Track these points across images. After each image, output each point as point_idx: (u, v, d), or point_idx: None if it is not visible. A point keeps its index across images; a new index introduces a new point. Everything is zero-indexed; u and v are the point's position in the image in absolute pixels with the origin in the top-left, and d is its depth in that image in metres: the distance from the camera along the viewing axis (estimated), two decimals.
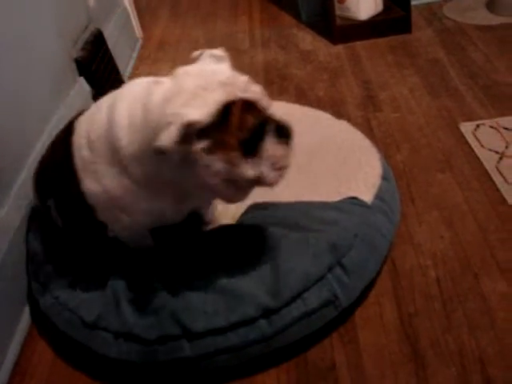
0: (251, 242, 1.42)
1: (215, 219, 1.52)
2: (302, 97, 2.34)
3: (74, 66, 2.19)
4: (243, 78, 1.14)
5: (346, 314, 1.39)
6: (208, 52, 1.21)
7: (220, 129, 1.08)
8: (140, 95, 1.17)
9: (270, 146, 1.14)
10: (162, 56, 2.99)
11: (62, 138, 1.35)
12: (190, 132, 1.05)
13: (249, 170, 1.12)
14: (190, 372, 1.31)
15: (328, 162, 1.69)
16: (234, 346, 1.27)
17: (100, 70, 2.34)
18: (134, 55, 3.05)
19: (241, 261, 1.38)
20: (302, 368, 1.32)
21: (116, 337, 1.30)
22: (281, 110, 1.98)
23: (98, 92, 2.22)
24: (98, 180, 1.23)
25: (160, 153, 1.07)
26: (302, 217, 1.47)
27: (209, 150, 1.09)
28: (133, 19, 3.25)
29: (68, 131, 1.32)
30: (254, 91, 1.13)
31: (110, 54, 2.53)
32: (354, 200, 1.50)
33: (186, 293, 1.31)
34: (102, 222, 1.30)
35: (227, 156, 1.10)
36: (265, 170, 1.14)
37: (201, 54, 1.21)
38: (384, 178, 1.60)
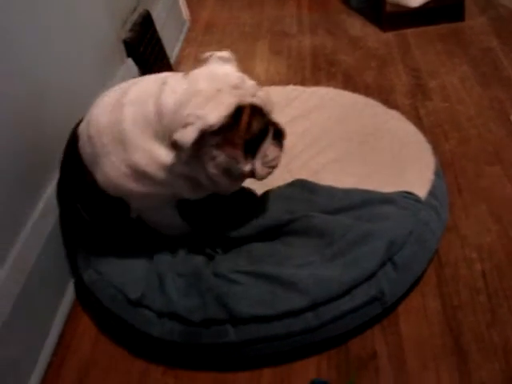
0: (305, 229, 1.41)
1: None
2: (349, 83, 2.31)
3: (122, 46, 2.20)
4: (252, 83, 1.28)
5: (389, 308, 1.37)
6: (216, 54, 1.32)
7: (230, 129, 1.21)
8: (151, 93, 1.28)
9: (268, 148, 1.30)
10: (209, 39, 2.99)
11: (70, 147, 1.42)
12: (206, 132, 1.18)
13: (247, 165, 1.28)
14: (232, 356, 1.32)
15: (382, 151, 1.67)
16: (278, 335, 1.27)
17: (148, 52, 2.35)
18: (182, 37, 3.05)
19: (293, 249, 1.37)
20: (342, 356, 1.32)
21: (159, 316, 1.31)
22: (330, 95, 1.99)
23: (145, 73, 2.23)
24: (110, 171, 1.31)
25: (176, 148, 1.19)
26: (360, 207, 1.45)
27: (217, 146, 1.23)
28: (180, 1, 3.25)
29: (73, 140, 1.40)
30: (261, 96, 1.26)
31: (158, 36, 2.54)
32: (408, 194, 1.48)
33: (233, 277, 1.31)
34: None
35: (232, 153, 1.25)
36: (258, 167, 1.29)
37: (210, 56, 1.32)
38: (436, 174, 1.58)
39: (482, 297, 1.39)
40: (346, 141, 1.71)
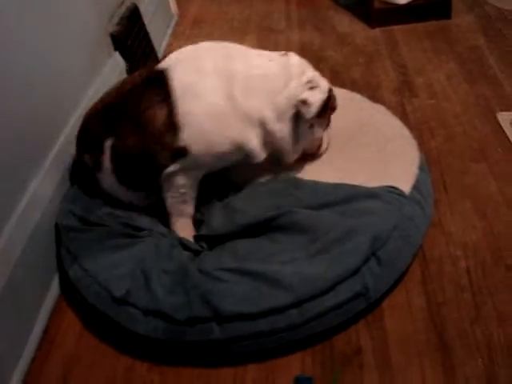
0: (289, 225, 1.41)
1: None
2: (337, 79, 2.30)
3: (109, 40, 2.18)
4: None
5: (374, 304, 1.38)
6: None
7: (324, 108, 1.48)
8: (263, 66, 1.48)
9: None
10: (197, 33, 2.98)
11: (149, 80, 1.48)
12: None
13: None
14: (217, 353, 1.32)
15: (367, 146, 1.67)
16: (263, 332, 1.27)
17: (135, 45, 2.34)
18: (169, 31, 3.04)
19: (277, 246, 1.38)
20: (327, 352, 1.32)
21: (145, 314, 1.31)
22: None
23: (132, 67, 2.22)
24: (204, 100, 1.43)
25: (303, 108, 1.45)
26: (345, 202, 1.45)
27: (317, 120, 1.54)
28: None
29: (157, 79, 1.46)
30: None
31: (146, 30, 2.52)
32: (393, 189, 1.48)
33: (217, 274, 1.31)
34: (180, 149, 1.43)
35: (325, 125, 1.61)
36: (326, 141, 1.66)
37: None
38: (421, 168, 1.58)
39: (466, 294, 1.39)
40: (333, 137, 1.71)
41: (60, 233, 1.53)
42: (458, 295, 1.40)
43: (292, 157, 1.57)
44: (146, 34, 2.52)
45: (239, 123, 1.43)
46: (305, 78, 1.46)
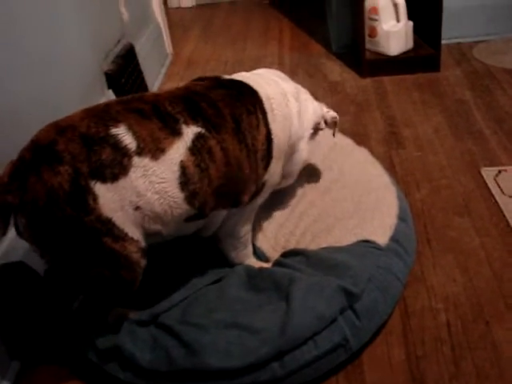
0: (266, 280, 1.44)
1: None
2: None
3: (103, 78, 2.22)
4: None
5: (354, 355, 1.38)
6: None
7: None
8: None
9: None
10: (191, 74, 3.02)
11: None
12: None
13: None
14: None
15: (344, 199, 1.70)
16: None
17: (129, 84, 2.37)
18: (163, 71, 3.08)
19: (256, 298, 1.39)
20: None
21: (123, 369, 1.32)
22: None
23: None
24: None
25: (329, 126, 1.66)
26: (317, 262, 1.47)
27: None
28: (165, 35, 3.29)
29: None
30: None
31: (140, 69, 2.56)
32: (367, 243, 1.50)
33: (202, 328, 1.32)
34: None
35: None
36: None
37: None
38: (401, 218, 1.60)
39: (445, 348, 1.40)
40: (310, 189, 1.75)
41: None
42: (437, 349, 1.40)
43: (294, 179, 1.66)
44: (140, 73, 2.56)
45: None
46: (308, 96, 1.62)
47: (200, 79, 1.44)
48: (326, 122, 1.63)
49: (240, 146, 1.31)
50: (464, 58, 2.93)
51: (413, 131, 2.32)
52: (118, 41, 2.45)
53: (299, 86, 1.62)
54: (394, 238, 1.52)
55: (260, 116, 1.38)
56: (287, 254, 1.57)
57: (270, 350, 1.26)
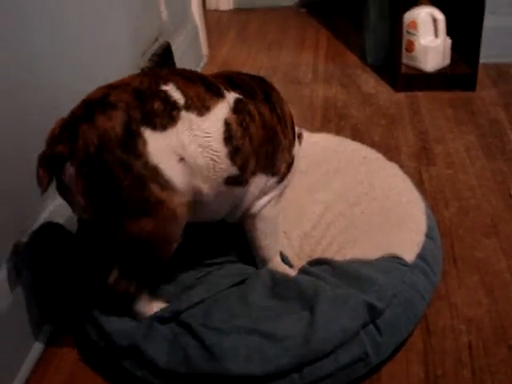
0: (291, 289, 1.43)
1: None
2: (357, 138, 2.32)
3: None
4: None
5: (373, 370, 1.37)
6: None
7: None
8: None
9: None
10: None
11: None
12: None
13: None
14: None
15: (372, 213, 1.68)
16: None
17: None
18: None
19: (279, 305, 1.39)
20: None
21: (141, 368, 1.32)
22: (330, 143, 2.02)
23: None
24: None
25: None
26: (343, 273, 1.46)
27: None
28: (201, 36, 3.30)
29: None
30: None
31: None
32: (394, 259, 1.49)
33: (223, 332, 1.31)
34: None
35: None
36: None
37: None
38: (428, 235, 1.58)
39: (466, 370, 1.38)
40: (339, 200, 1.75)
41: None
42: (457, 370, 1.39)
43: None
44: None
45: None
46: None
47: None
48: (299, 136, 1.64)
49: (271, 114, 1.44)
50: (501, 78, 2.89)
51: (444, 148, 2.30)
52: (156, 39, 2.48)
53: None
54: (421, 256, 1.51)
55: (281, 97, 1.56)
56: (313, 263, 1.56)
57: (292, 360, 1.26)
